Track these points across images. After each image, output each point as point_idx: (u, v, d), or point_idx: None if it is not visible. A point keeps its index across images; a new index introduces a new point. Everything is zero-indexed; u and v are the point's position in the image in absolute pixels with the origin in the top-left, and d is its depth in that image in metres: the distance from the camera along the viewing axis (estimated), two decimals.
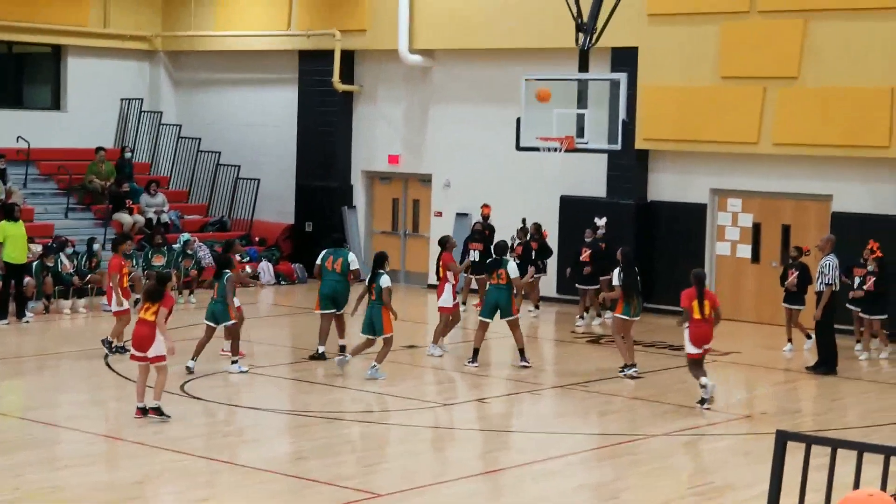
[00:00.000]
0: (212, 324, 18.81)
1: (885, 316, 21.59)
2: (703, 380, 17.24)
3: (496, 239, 26.20)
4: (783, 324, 22.88)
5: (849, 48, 23.55)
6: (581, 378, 19.22)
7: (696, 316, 17.21)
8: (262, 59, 31.58)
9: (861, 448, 7.11)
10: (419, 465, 14.35)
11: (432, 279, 29.07)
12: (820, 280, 20.25)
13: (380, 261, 19.01)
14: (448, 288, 20.53)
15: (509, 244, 21.48)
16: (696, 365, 17.34)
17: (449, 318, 20.76)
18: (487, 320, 19.87)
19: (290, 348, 22.41)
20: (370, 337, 18.76)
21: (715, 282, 25.75)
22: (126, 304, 20.03)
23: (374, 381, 18.49)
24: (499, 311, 19.76)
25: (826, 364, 20.08)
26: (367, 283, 18.85)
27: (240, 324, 19.30)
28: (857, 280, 21.61)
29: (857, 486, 6.89)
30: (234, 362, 19.04)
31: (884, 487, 6.85)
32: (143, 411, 15.64)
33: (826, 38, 23.79)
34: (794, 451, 7.20)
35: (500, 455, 14.86)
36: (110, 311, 20.35)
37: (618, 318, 19.09)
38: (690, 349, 17.28)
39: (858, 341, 21.93)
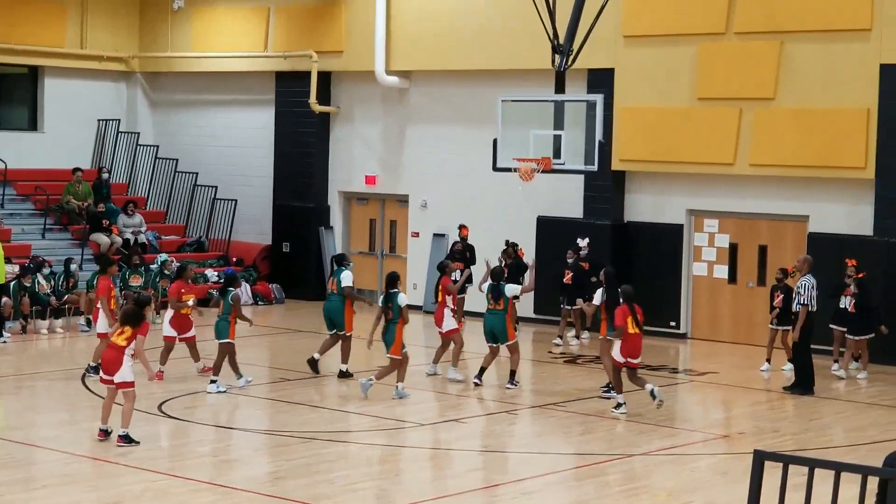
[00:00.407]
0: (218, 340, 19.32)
1: (871, 336, 21.67)
2: (648, 386, 18.08)
3: (477, 259, 26.37)
4: (761, 344, 22.99)
5: (825, 69, 23.69)
6: (559, 398, 19.23)
7: (631, 331, 17.96)
8: (239, 81, 31.58)
9: (839, 468, 7.15)
10: (396, 486, 14.33)
11: (410, 300, 29.06)
12: (796, 300, 20.33)
13: (392, 280, 19.27)
14: (447, 312, 20.52)
15: (502, 267, 21.45)
16: (633, 375, 18.27)
17: (461, 340, 20.73)
18: (492, 345, 19.93)
19: (267, 368, 22.37)
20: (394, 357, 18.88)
21: (692, 302, 25.83)
22: (172, 331, 20.08)
23: (350, 401, 18.50)
24: (495, 336, 19.82)
25: (802, 385, 20.15)
26: (382, 304, 18.94)
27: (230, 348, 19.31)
28: (843, 300, 21.72)
29: None
30: (212, 381, 19.03)
31: None
32: (106, 433, 15.53)
33: (802, 60, 23.92)
34: (773, 471, 7.24)
35: (477, 475, 14.85)
36: (89, 331, 20.31)
37: (604, 339, 19.09)
38: (619, 358, 18.03)
39: (836, 361, 22.01)
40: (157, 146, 32.48)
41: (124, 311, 15.99)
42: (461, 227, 26.93)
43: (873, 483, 7.49)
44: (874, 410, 19.18)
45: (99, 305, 19.84)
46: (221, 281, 20.73)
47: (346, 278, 20.21)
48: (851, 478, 7.22)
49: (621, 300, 18.10)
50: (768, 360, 22.25)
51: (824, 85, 23.69)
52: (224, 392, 18.89)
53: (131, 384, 15.34)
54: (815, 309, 20.32)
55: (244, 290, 29.50)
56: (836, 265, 22.30)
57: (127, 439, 15.34)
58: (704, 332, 25.69)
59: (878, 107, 23.22)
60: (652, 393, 17.95)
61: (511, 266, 25.43)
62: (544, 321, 26.62)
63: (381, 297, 19.30)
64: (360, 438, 16.54)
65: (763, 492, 7.14)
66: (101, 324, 19.63)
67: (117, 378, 15.28)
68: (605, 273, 19.50)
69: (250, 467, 14.94)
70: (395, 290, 18.97)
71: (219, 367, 19.15)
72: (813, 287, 20.25)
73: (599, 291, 19.21)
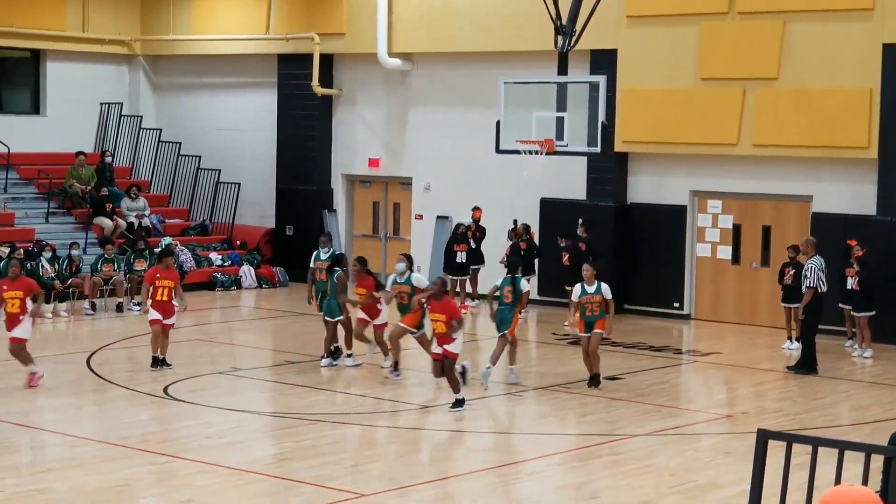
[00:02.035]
0: (329, 318, 19.75)
1: (872, 313, 21.74)
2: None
3: (485, 242, 26.48)
4: (764, 324, 23.05)
5: (828, 49, 23.67)
6: (563, 379, 19.26)
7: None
8: (241, 63, 31.57)
9: (842, 446, 7.16)
10: (402, 467, 14.38)
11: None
12: (805, 283, 20.32)
13: (514, 266, 19.40)
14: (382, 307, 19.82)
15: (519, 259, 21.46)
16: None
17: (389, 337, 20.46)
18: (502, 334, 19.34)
19: (271, 351, 22.41)
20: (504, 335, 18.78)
21: (695, 283, 25.86)
22: (157, 315, 19.22)
23: (353, 384, 18.58)
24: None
25: (807, 365, 20.19)
26: (501, 287, 18.89)
27: (348, 321, 19.84)
28: (848, 280, 21.80)
29: (838, 484, 6.94)
30: (348, 355, 19.80)
31: (865, 485, 6.90)
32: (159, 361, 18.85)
33: (805, 40, 23.90)
34: (776, 450, 7.26)
35: (482, 456, 14.89)
36: (93, 315, 20.13)
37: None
38: None
39: (850, 338, 22.12)
40: (160, 129, 32.50)
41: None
42: (474, 209, 26.96)
43: (877, 462, 7.50)
44: (877, 389, 19.22)
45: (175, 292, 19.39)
46: (330, 261, 20.39)
47: (525, 285, 19.25)
48: (855, 456, 7.24)
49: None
50: (790, 339, 22.33)
51: (827, 65, 23.68)
52: (359, 366, 19.64)
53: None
54: (824, 290, 20.33)
55: (248, 274, 29.55)
56: (839, 245, 22.32)
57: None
58: (708, 312, 25.72)
59: (882, 86, 23.21)
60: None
61: (525, 249, 25.52)
62: (547, 303, 26.66)
63: (502, 280, 19.11)
64: (365, 420, 16.58)
65: (766, 471, 7.15)
66: (152, 312, 19.18)
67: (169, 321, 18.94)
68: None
69: (256, 449, 14.99)
70: (518, 275, 19.10)
71: (349, 340, 19.82)
72: (821, 268, 20.26)
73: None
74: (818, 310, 20.31)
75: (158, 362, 19.18)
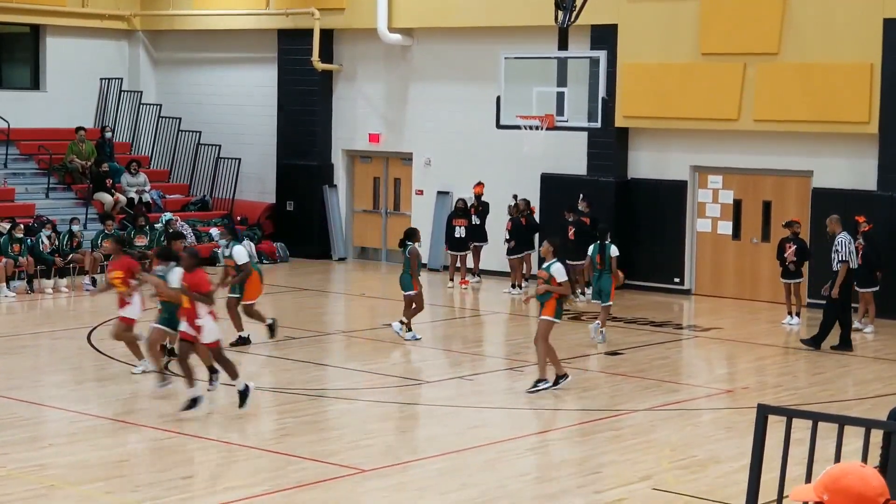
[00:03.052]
0: (403, 292, 19.96)
1: (876, 288, 21.68)
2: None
3: (488, 216, 26.53)
4: (764, 300, 23.01)
5: (829, 24, 23.61)
6: (564, 354, 19.24)
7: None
8: (241, 39, 31.50)
9: (842, 421, 7.19)
10: (403, 442, 14.41)
11: None
12: (836, 258, 20.00)
13: (604, 232, 20.75)
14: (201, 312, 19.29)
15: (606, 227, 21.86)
16: None
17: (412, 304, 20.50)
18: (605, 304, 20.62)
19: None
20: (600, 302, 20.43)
21: (696, 258, 25.86)
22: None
23: (354, 360, 18.59)
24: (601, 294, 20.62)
25: (843, 342, 19.83)
26: (591, 255, 20.59)
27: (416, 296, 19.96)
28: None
29: (838, 459, 6.96)
30: (408, 329, 19.91)
31: (864, 460, 6.91)
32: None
33: (806, 14, 23.84)
34: (776, 425, 7.28)
35: (483, 431, 14.91)
36: (94, 290, 19.76)
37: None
38: None
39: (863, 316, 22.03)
40: (160, 105, 32.45)
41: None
42: (477, 184, 26.92)
43: (876, 436, 7.52)
44: (878, 364, 19.23)
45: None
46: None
47: (614, 251, 20.54)
48: (855, 431, 7.26)
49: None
50: (790, 314, 22.33)
51: (828, 40, 23.62)
52: (419, 339, 19.77)
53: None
54: (855, 265, 20.21)
55: (248, 246, 29.52)
56: (841, 220, 22.27)
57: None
58: (708, 288, 25.72)
59: (882, 61, 23.16)
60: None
61: (526, 224, 25.61)
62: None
63: (592, 248, 20.72)
64: (366, 396, 16.60)
65: (767, 446, 7.17)
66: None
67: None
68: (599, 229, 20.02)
69: (257, 424, 15.00)
70: (608, 241, 20.35)
71: (409, 314, 19.90)
72: (850, 242, 20.12)
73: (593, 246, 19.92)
74: (850, 286, 20.14)
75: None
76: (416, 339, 19.90)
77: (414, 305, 19.99)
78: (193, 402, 14.86)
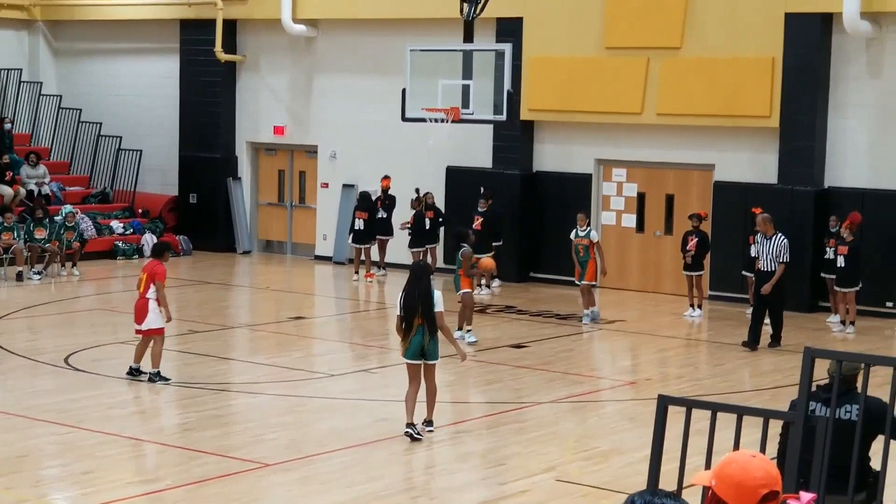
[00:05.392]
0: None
1: (858, 287, 21.43)
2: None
3: (395, 210, 26.47)
4: (668, 292, 23.18)
5: (731, 18, 23.85)
6: (469, 348, 19.28)
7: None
8: (142, 29, 31.13)
9: (740, 411, 7.25)
10: (306, 436, 14.33)
11: (319, 251, 29.04)
12: (776, 259, 19.58)
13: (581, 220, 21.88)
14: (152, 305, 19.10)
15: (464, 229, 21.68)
16: None
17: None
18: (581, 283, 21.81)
19: (175, 321, 22.18)
20: None
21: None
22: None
23: (258, 353, 18.44)
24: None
25: (777, 340, 19.89)
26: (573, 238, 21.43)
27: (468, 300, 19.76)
28: (829, 252, 21.82)
29: (736, 448, 7.03)
30: (468, 331, 19.65)
31: (763, 450, 6.98)
32: (135, 371, 16.51)
33: (709, 8, 24.06)
34: (678, 416, 7.33)
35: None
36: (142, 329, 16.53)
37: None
38: None
39: (836, 312, 22.05)
40: (60, 96, 32.00)
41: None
42: (383, 178, 26.82)
43: (775, 427, 7.60)
44: (778, 356, 19.40)
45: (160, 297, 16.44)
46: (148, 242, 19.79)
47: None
48: (755, 422, 7.33)
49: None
50: (692, 306, 22.53)
51: (730, 34, 23.86)
52: (475, 342, 19.41)
53: (159, 330, 16.26)
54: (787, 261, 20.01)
55: (150, 242, 29.23)
56: (741, 213, 22.53)
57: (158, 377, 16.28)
58: (613, 280, 25.87)
59: (783, 55, 23.43)
60: None
61: (432, 217, 25.64)
62: (452, 271, 26.62)
63: (573, 232, 21.63)
64: (270, 389, 16.50)
65: (667, 436, 7.22)
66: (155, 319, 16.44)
67: (144, 326, 16.25)
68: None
69: (159, 419, 14.86)
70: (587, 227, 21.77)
71: (463, 317, 19.66)
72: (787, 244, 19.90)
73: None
74: (784, 286, 20.06)
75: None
76: (473, 342, 19.54)
77: (463, 305, 19.80)
78: None
